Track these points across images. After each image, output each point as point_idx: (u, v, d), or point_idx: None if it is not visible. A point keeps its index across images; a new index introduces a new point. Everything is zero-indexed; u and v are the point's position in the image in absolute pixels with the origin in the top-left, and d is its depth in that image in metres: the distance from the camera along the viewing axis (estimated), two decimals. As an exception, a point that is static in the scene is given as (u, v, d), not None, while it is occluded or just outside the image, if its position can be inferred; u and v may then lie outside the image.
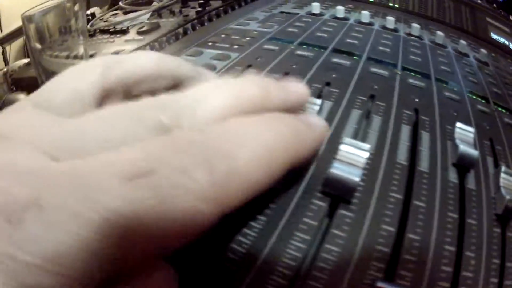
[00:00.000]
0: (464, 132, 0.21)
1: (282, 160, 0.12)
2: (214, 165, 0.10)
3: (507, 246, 0.17)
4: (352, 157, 0.17)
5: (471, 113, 0.25)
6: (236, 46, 0.30)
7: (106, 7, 0.76)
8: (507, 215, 0.18)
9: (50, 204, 0.08)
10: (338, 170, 0.16)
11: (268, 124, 0.12)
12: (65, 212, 0.08)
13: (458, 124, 0.22)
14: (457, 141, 0.20)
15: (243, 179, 0.10)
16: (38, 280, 0.08)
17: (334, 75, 0.25)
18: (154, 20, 0.52)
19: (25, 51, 0.67)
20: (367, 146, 0.18)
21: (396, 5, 0.42)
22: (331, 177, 0.16)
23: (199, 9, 0.48)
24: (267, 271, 0.14)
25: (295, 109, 0.15)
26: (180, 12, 0.52)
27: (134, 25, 0.53)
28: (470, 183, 0.19)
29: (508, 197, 0.18)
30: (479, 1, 0.47)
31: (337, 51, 0.29)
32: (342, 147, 0.17)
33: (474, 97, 0.28)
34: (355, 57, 0.28)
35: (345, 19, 0.35)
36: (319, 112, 0.21)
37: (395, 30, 0.34)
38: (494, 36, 0.41)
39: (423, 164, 0.20)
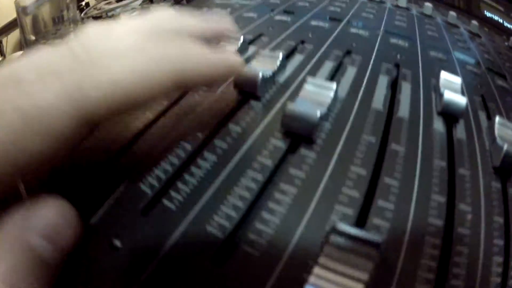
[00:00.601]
0: (450, 81, 0.20)
1: (162, 71, 0.12)
2: (83, 69, 0.11)
3: (510, 202, 0.15)
4: (315, 96, 0.16)
5: (460, 72, 0.24)
6: None
7: (100, -3, 0.78)
8: (507, 167, 0.16)
9: None
10: (298, 106, 0.15)
11: (155, 41, 0.13)
12: None
13: (443, 74, 0.20)
14: (442, 89, 0.19)
15: (108, 82, 0.11)
16: None
17: (310, 35, 0.24)
18: (146, 5, 0.52)
19: (22, 46, 0.68)
20: (332, 84, 0.16)
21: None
22: (290, 113, 0.15)
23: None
24: (211, 208, 0.13)
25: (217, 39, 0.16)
26: (172, -2, 0.53)
27: (126, 11, 0.53)
28: (460, 134, 0.18)
29: (506, 146, 0.16)
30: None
31: (317, 17, 0.28)
32: (306, 85, 0.16)
33: (463, 58, 0.26)
34: (335, 22, 0.27)
35: None
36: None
37: (381, 1, 0.33)
38: (487, 14, 0.40)
39: (403, 112, 0.18)
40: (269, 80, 0.17)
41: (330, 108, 0.16)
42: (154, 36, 0.13)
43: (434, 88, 0.20)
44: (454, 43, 0.28)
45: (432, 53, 0.25)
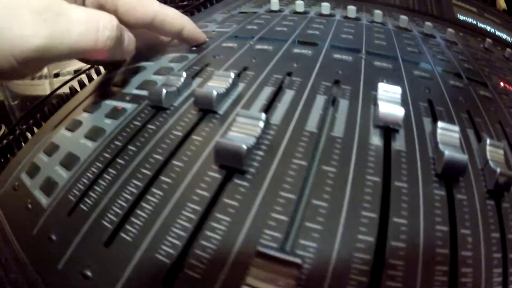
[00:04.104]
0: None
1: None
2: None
3: (505, 220, 0.15)
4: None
5: (444, 89, 0.24)
6: (194, 48, 0.28)
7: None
8: (500, 190, 0.16)
9: None
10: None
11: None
12: None
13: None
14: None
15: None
16: None
17: (295, 65, 0.24)
18: None
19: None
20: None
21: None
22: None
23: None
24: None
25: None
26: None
27: None
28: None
29: (498, 170, 0.16)
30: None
31: (298, 42, 0.27)
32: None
33: (446, 73, 0.26)
34: (317, 46, 0.27)
35: (305, 13, 0.34)
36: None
37: (357, 19, 0.33)
38: (461, 17, 0.40)
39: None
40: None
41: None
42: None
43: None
44: (434, 56, 0.28)
45: (416, 72, 0.25)
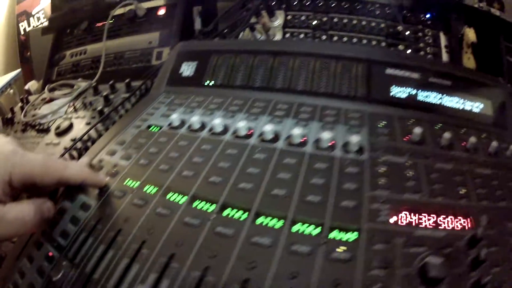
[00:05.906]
0: None
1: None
2: None
3: None
4: None
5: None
6: (97, 191, 0.32)
7: (41, 81, 0.85)
8: None
9: None
10: None
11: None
12: None
13: None
14: None
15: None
16: None
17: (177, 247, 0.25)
18: (70, 115, 0.60)
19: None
20: None
21: (278, 86, 0.40)
22: None
23: (100, 107, 0.54)
24: None
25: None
26: (91, 104, 0.60)
27: (54, 121, 0.61)
28: None
29: None
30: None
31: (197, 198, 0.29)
32: None
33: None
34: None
35: (224, 131, 0.35)
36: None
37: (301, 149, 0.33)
38: (394, 91, 0.38)
39: None
40: None
41: None
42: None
43: None
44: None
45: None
